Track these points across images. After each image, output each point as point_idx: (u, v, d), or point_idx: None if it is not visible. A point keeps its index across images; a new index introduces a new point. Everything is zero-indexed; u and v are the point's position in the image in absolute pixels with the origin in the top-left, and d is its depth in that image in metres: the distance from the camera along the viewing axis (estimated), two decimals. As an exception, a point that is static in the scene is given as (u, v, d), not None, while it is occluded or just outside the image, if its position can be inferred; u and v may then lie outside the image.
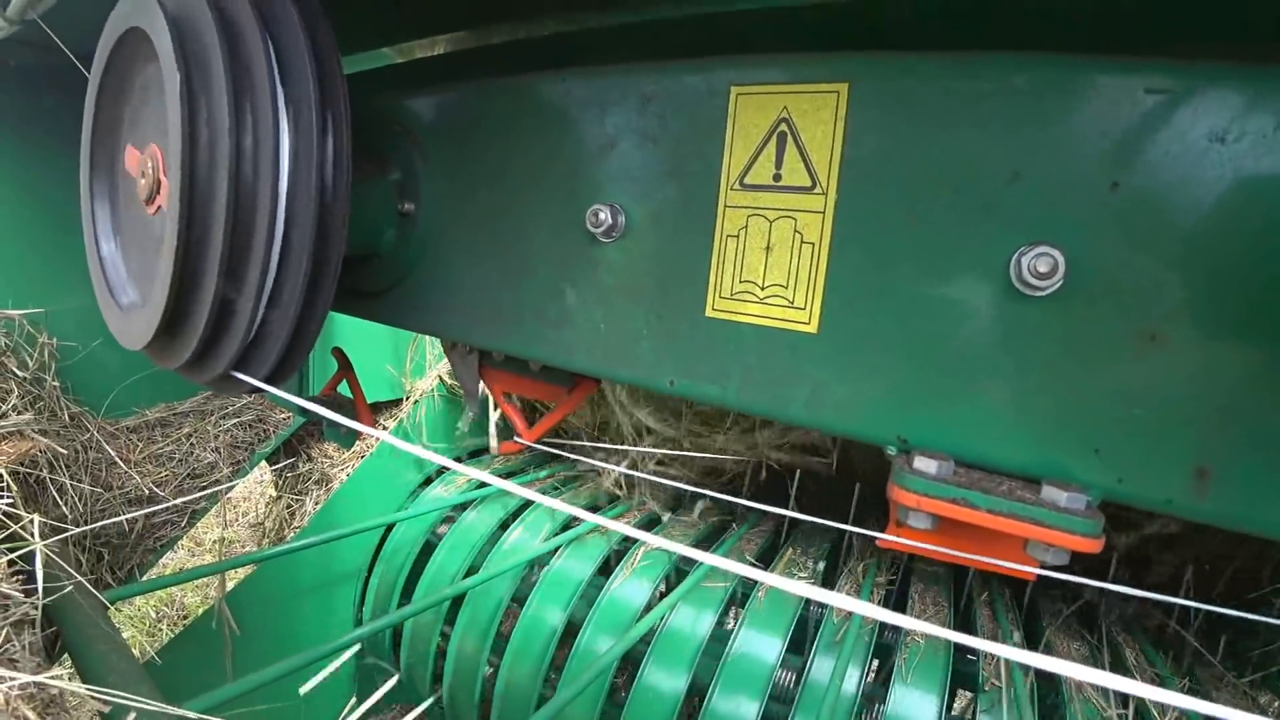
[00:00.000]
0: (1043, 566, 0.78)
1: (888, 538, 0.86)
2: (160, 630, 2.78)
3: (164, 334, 0.98)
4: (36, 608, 0.94)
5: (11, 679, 0.69)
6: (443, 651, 2.13)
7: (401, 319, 1.18)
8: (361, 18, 1.13)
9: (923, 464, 0.73)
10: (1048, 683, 1.70)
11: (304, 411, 1.38)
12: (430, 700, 2.18)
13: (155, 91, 0.98)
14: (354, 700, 2.42)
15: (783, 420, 0.82)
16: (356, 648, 2.28)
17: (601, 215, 0.87)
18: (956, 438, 0.77)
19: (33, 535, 1.04)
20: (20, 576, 1.04)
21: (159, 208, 0.98)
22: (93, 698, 0.77)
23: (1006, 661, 1.69)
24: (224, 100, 0.83)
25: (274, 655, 2.33)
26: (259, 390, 0.97)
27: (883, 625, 1.84)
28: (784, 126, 0.80)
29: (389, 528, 2.37)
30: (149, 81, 1.00)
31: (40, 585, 0.97)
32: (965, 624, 1.92)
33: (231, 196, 0.83)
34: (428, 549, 2.30)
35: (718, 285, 0.84)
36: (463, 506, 2.35)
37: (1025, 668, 1.69)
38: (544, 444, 2.60)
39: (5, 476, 1.21)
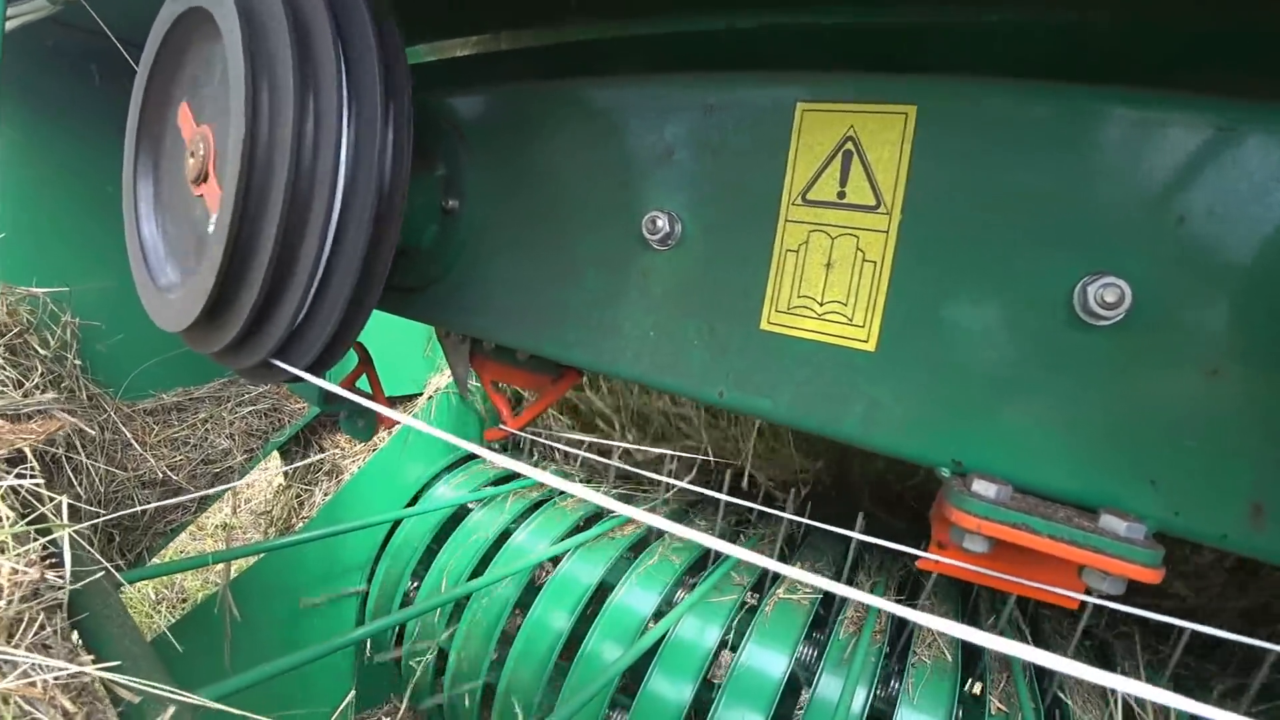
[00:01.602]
0: (1092, 594, 0.78)
1: (930, 557, 0.86)
2: (160, 611, 2.77)
3: (205, 319, 0.98)
4: (65, 593, 0.93)
5: (51, 667, 0.68)
6: (445, 651, 2.12)
7: (438, 317, 1.18)
8: (413, 13, 1.13)
9: (982, 487, 0.73)
10: (1056, 709, 1.69)
11: (342, 402, 1.38)
12: (429, 698, 2.16)
13: (212, 71, 0.97)
14: (353, 693, 2.41)
15: (835, 437, 0.82)
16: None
17: (659, 222, 0.86)
18: (1012, 462, 0.77)
19: (60, 518, 1.03)
20: (47, 560, 1.03)
21: (206, 189, 0.97)
22: (125, 687, 0.76)
23: (1014, 686, 1.69)
24: (288, 84, 0.83)
25: (275, 643, 2.33)
26: (299, 380, 0.97)
27: (890, 645, 1.83)
28: (850, 145, 0.80)
29: (396, 523, 2.36)
30: (207, 61, 1.00)
31: (68, 570, 0.96)
32: (973, 648, 1.91)
33: (289, 182, 0.83)
34: (432, 547, 2.29)
35: (775, 299, 0.83)
36: (469, 507, 2.35)
37: (1033, 694, 1.69)
38: (534, 435, 2.60)
39: (30, 455, 1.20)
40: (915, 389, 0.79)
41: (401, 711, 2.44)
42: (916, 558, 0.82)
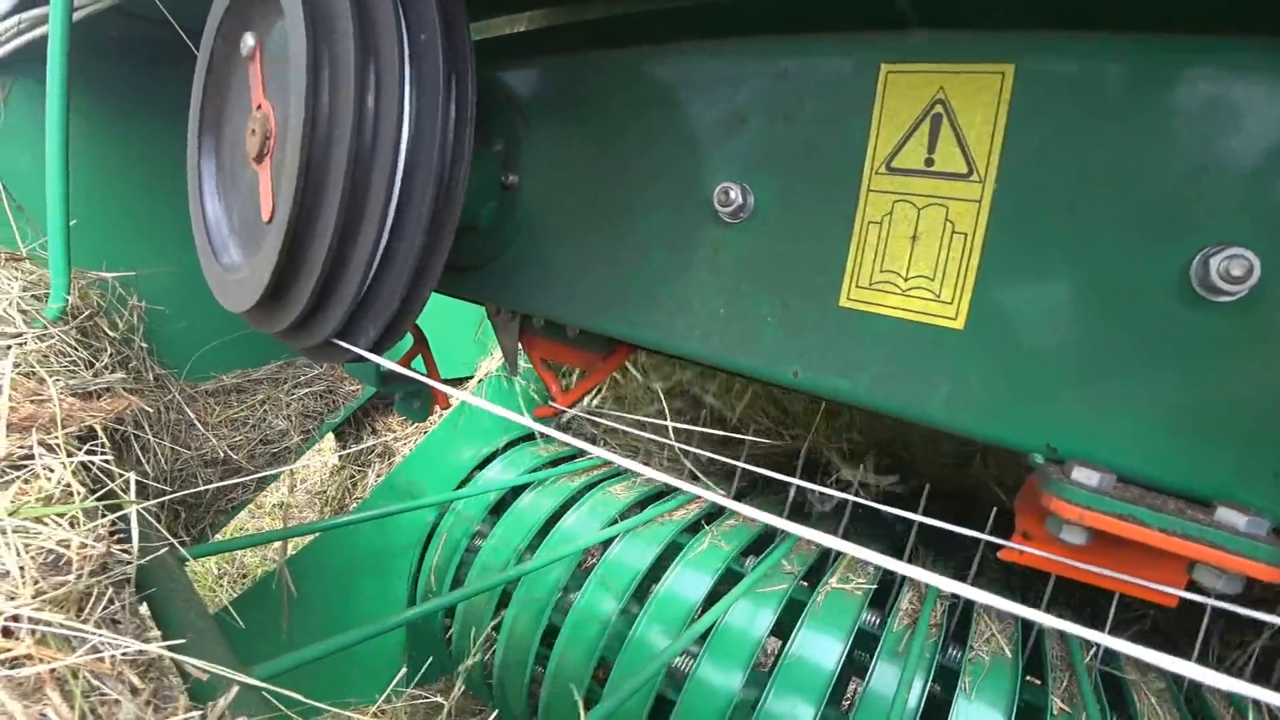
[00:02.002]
0: (1202, 592, 0.72)
1: (1015, 546, 0.81)
2: (222, 586, 2.86)
3: (268, 299, 0.98)
4: (133, 568, 0.95)
5: (119, 643, 0.69)
6: (495, 632, 2.13)
7: (496, 296, 1.16)
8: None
9: (1083, 475, 0.68)
10: (1121, 713, 1.61)
11: (398, 383, 1.38)
12: (475, 677, 2.18)
13: (272, 49, 0.97)
14: (404, 670, 2.45)
15: (918, 420, 0.77)
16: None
17: (732, 194, 0.82)
18: (1115, 449, 0.71)
19: (129, 494, 1.05)
20: (114, 535, 1.05)
21: (267, 166, 0.97)
22: (189, 666, 0.76)
23: (1077, 686, 1.61)
24: (349, 58, 0.81)
25: (330, 621, 2.38)
26: (360, 360, 0.96)
27: (946, 640, 1.77)
28: (939, 109, 0.75)
29: (446, 505, 2.38)
30: (267, 38, 0.99)
31: (135, 545, 0.97)
32: (1034, 645, 1.83)
33: (350, 158, 0.81)
34: (482, 529, 2.31)
35: (855, 274, 0.79)
36: (519, 490, 2.35)
37: (1098, 694, 1.61)
38: (592, 415, 2.59)
39: (100, 433, 1.23)
40: (1007, 370, 0.74)
41: (452, 691, 2.48)
42: (972, 553, 0.77)
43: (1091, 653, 1.76)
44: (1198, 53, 0.65)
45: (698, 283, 0.89)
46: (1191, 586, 0.72)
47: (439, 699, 2.24)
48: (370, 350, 0.97)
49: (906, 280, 0.76)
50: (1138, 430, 0.70)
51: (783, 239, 0.83)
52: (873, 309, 0.78)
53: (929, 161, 0.75)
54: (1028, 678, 1.70)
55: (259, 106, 0.96)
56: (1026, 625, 1.87)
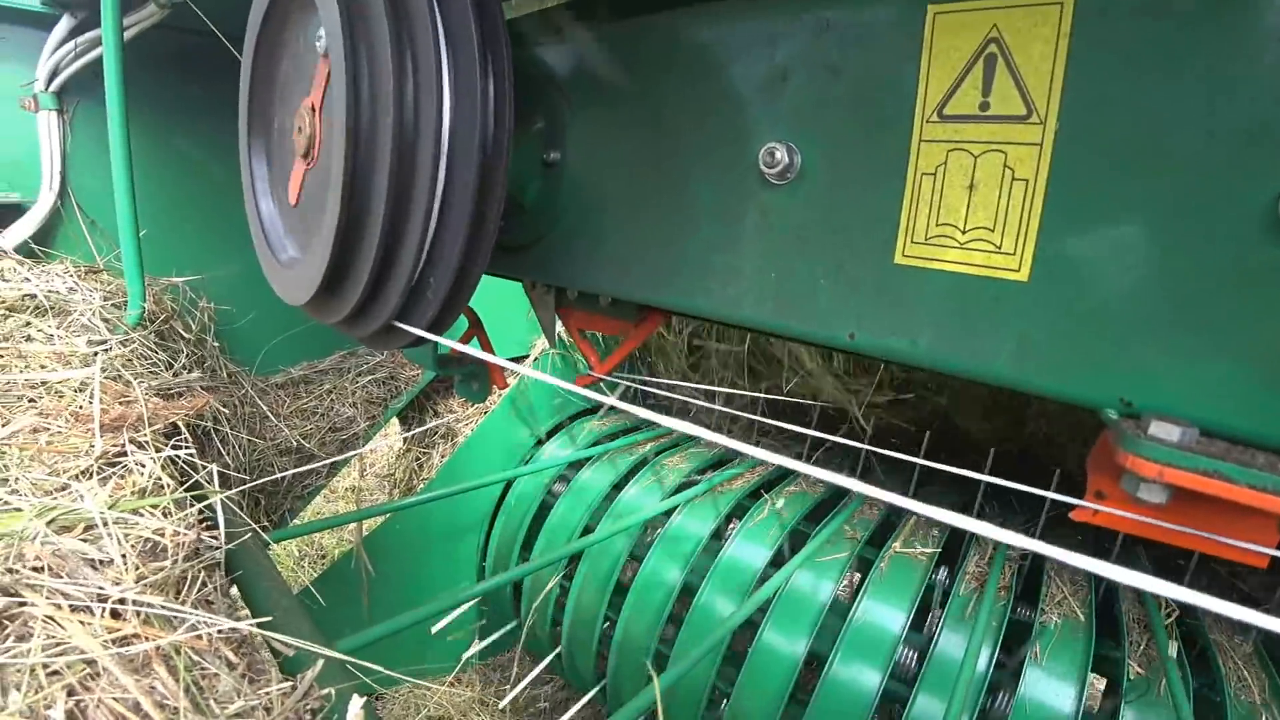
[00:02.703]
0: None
1: (1089, 505, 0.78)
2: (303, 567, 3.02)
3: (325, 290, 1.01)
4: (221, 552, 1.01)
5: (214, 622, 0.73)
6: (561, 603, 2.19)
7: (546, 274, 1.17)
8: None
9: (1162, 430, 0.64)
10: (1204, 678, 1.54)
11: (457, 365, 1.42)
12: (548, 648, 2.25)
13: (311, 45, 0.98)
14: (478, 642, 2.55)
15: (982, 379, 0.74)
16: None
17: (778, 154, 0.80)
18: (1196, 401, 0.67)
19: (213, 484, 1.12)
20: (203, 523, 1.12)
21: (315, 164, 0.99)
22: (279, 642, 0.81)
23: (1156, 649, 1.55)
24: (386, 51, 0.82)
25: (406, 596, 2.49)
26: (417, 344, 0.98)
27: (1016, 603, 1.72)
28: (993, 48, 0.70)
29: (509, 482, 2.44)
30: (305, 36, 1.01)
31: (222, 531, 1.03)
32: (1107, 609, 1.77)
33: (394, 148, 0.82)
34: (545, 504, 2.36)
35: (910, 229, 0.76)
36: (578, 465, 2.39)
37: (1180, 660, 1.54)
38: (641, 383, 2.60)
39: (183, 429, 1.30)
40: (1076, 321, 0.70)
41: (522, 660, 2.56)
42: (1039, 516, 0.74)
43: (1169, 613, 1.69)
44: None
45: (748, 248, 0.87)
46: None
47: (510, 668, 2.32)
48: (427, 332, 1.00)
49: (964, 233, 0.73)
50: (1222, 380, 0.66)
51: (832, 197, 0.80)
52: (930, 264, 0.75)
53: (984, 105, 0.71)
54: (1103, 641, 1.64)
55: (305, 104, 0.98)
56: (1100, 586, 1.80)
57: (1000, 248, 0.72)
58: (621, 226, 1.02)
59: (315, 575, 2.44)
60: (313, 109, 0.96)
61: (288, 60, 1.08)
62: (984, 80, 0.71)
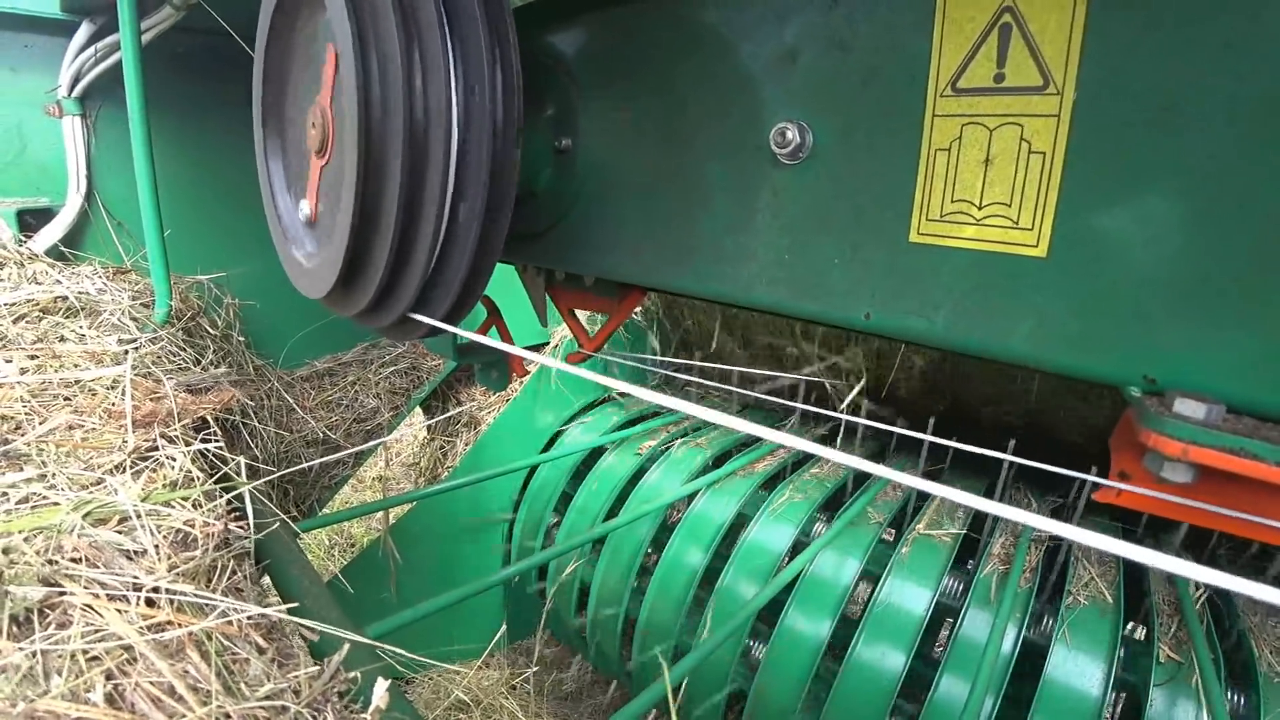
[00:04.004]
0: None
1: (1113, 484, 0.77)
2: (334, 555, 3.09)
3: (343, 283, 1.02)
4: (250, 542, 1.03)
5: (243, 609, 0.75)
6: (586, 587, 2.22)
7: (561, 260, 1.17)
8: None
9: (1187, 408, 0.63)
10: (1236, 663, 1.51)
11: (477, 354, 1.45)
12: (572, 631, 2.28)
13: (321, 41, 0.99)
14: (504, 627, 2.59)
15: (1001, 358, 0.73)
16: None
17: (789, 134, 0.79)
18: (1222, 378, 0.65)
19: (240, 476, 1.14)
20: (233, 513, 1.15)
21: (329, 159, 1.00)
22: (305, 627, 0.83)
23: (1188, 634, 1.52)
24: (394, 43, 0.82)
25: (434, 581, 2.53)
26: (439, 331, 0.99)
27: (1041, 585, 1.70)
28: (1008, 17, 0.69)
29: (533, 469, 2.46)
30: (315, 32, 1.02)
31: (251, 521, 1.05)
32: (1136, 589, 1.74)
33: (406, 139, 0.83)
34: (569, 489, 2.38)
35: (924, 206, 0.74)
36: (599, 451, 2.41)
37: (1210, 642, 1.51)
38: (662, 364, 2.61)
39: (211, 422, 1.33)
40: (1097, 297, 0.69)
41: (548, 644, 2.60)
42: (1057, 499, 0.73)
43: (1200, 595, 1.65)
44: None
45: (760, 230, 0.87)
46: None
47: (536, 651, 2.36)
48: (444, 321, 1.01)
49: (981, 209, 0.72)
50: (1249, 355, 0.64)
51: (844, 176, 0.79)
52: (946, 242, 0.74)
53: (999, 77, 0.69)
54: (1130, 624, 1.62)
55: (317, 100, 0.99)
56: (1130, 568, 1.77)
57: (1018, 223, 0.70)
58: (634, 211, 1.02)
59: (345, 563, 2.50)
60: (324, 105, 0.97)
61: (298, 57, 1.09)
62: (999, 51, 0.69)
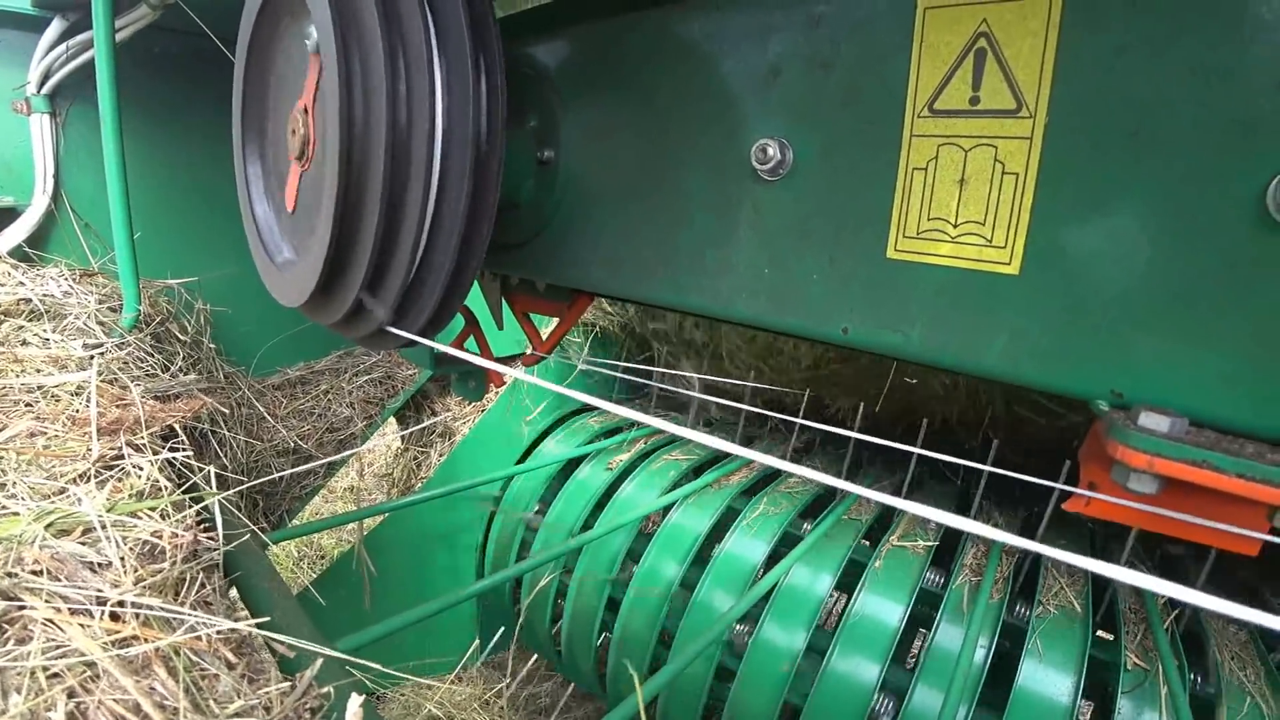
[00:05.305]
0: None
1: (1082, 493, 0.78)
2: (302, 567, 3.03)
3: (321, 292, 1.01)
4: (219, 553, 1.01)
5: (212, 623, 0.73)
6: (560, 600, 2.20)
7: (541, 272, 1.17)
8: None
9: (1152, 421, 0.65)
10: (1200, 669, 1.55)
11: (453, 365, 1.45)
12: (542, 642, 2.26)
13: (304, 47, 0.98)
14: (478, 640, 2.55)
15: (975, 373, 0.75)
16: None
17: (770, 150, 0.80)
18: (1186, 392, 0.68)
19: (209, 486, 1.12)
20: (201, 524, 1.12)
21: (309, 165, 0.99)
22: (275, 641, 0.81)
23: (1153, 644, 1.55)
24: (378, 50, 0.82)
25: (406, 594, 2.48)
26: (416, 344, 0.99)
27: (1012, 598, 1.73)
28: (983, 42, 0.71)
29: (508, 480, 2.44)
30: (298, 38, 1.01)
31: (220, 532, 1.03)
32: (1102, 596, 1.77)
33: (388, 146, 0.83)
34: (544, 501, 2.36)
35: (902, 223, 0.76)
36: (576, 462, 2.40)
37: (1175, 649, 1.55)
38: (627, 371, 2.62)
39: (180, 431, 1.30)
40: (1067, 314, 0.71)
41: (521, 657, 2.57)
42: (1035, 506, 0.75)
43: (1165, 604, 1.69)
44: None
45: (741, 244, 0.88)
46: (1274, 534, 0.69)
47: (510, 665, 2.33)
48: (422, 333, 1.00)
49: (956, 226, 0.73)
50: (1211, 370, 0.66)
51: (824, 193, 0.81)
52: (922, 259, 0.75)
53: (974, 100, 0.71)
54: (1099, 633, 1.65)
55: (298, 106, 0.99)
56: (1097, 578, 1.81)
57: (991, 241, 0.72)
58: (615, 224, 1.02)
59: (315, 576, 2.45)
60: (306, 110, 0.96)
61: (280, 62, 1.08)
62: (974, 74, 0.71)
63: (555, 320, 1.57)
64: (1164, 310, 0.67)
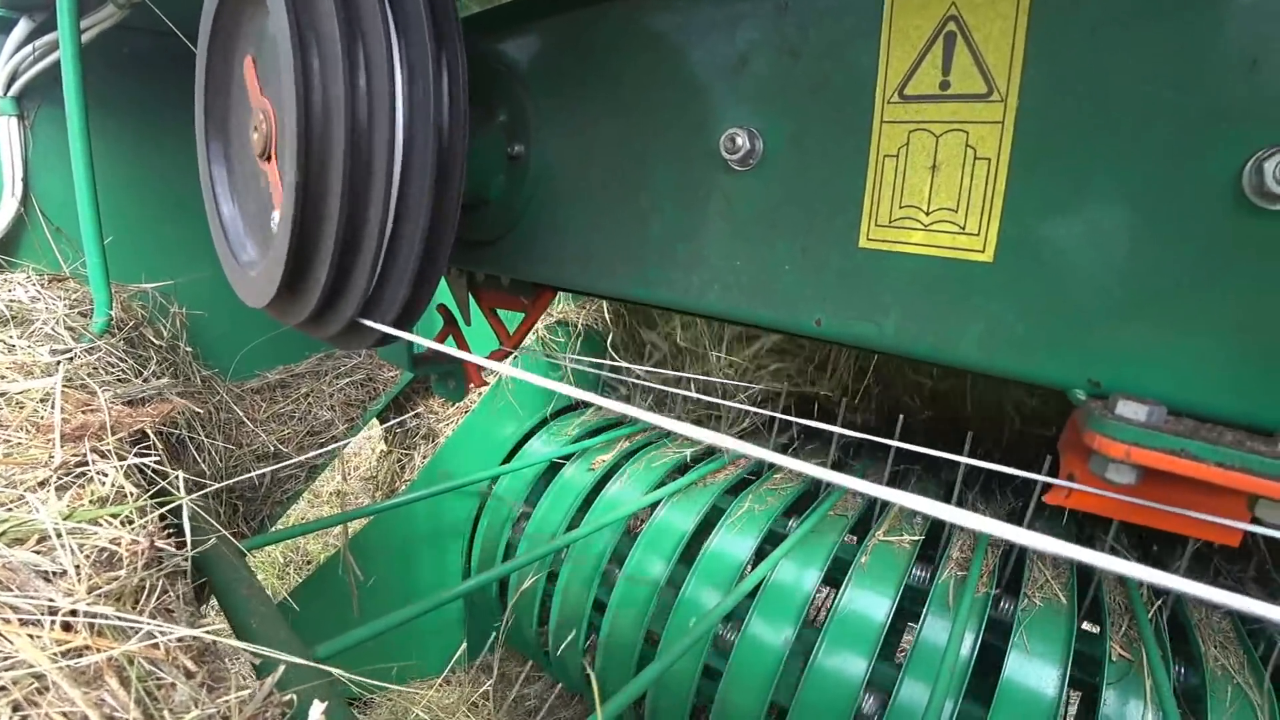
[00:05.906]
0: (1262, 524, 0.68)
1: (1061, 484, 0.77)
2: (288, 573, 2.99)
3: (285, 291, 0.99)
4: (186, 559, 0.99)
5: (170, 631, 0.71)
6: (547, 601, 2.18)
7: (513, 268, 1.15)
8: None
9: (1129, 410, 0.63)
10: (1184, 658, 1.55)
11: (432, 365, 1.43)
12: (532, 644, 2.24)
13: (262, 43, 0.96)
14: (464, 645, 2.53)
15: (950, 363, 0.74)
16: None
17: (738, 140, 0.79)
18: (1163, 380, 0.66)
19: (179, 490, 1.09)
20: (169, 530, 1.09)
21: (271, 162, 0.97)
22: (242, 649, 0.79)
23: (1138, 634, 1.55)
24: (336, 43, 0.80)
25: (393, 598, 2.46)
26: (389, 340, 0.96)
27: (999, 588, 1.72)
28: (952, 25, 0.69)
29: (494, 480, 2.42)
30: (257, 34, 0.99)
31: (189, 538, 1.01)
32: (1087, 587, 1.77)
33: (349, 142, 0.81)
34: (530, 501, 2.34)
35: (873, 212, 0.75)
36: (562, 461, 2.37)
37: (1160, 640, 1.55)
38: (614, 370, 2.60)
39: (151, 436, 1.27)
40: (1042, 301, 0.69)
41: (509, 659, 2.55)
42: (1019, 498, 0.74)
43: (1148, 593, 1.69)
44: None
45: (712, 236, 0.86)
46: (1255, 523, 0.68)
47: (496, 667, 2.31)
48: (392, 328, 0.98)
49: (928, 214, 0.72)
50: (1188, 357, 0.65)
51: (795, 182, 0.79)
52: (894, 248, 0.74)
53: (944, 85, 0.70)
54: (1085, 624, 1.65)
55: (260, 103, 0.96)
56: (1082, 569, 1.81)
57: (965, 229, 0.71)
58: (586, 219, 1.00)
59: (300, 581, 2.41)
60: (268, 109, 0.94)
61: (241, 59, 1.06)
62: (944, 59, 0.70)
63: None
64: (1141, 296, 0.66)
